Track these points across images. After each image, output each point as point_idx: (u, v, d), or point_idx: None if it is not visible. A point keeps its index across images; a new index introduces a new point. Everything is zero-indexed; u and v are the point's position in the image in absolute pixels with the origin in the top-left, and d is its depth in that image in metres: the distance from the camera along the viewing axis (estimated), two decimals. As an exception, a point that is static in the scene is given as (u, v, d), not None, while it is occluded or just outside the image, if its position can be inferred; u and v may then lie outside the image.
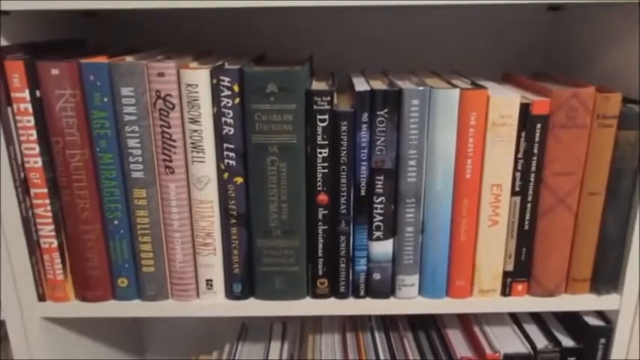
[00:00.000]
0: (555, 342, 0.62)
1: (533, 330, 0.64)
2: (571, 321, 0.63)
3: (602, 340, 0.60)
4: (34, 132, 0.53)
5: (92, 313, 0.59)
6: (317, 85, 0.56)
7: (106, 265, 0.57)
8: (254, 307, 0.59)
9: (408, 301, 0.59)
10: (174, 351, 0.86)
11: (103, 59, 0.53)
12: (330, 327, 0.72)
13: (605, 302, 0.59)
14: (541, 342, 0.62)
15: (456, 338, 0.66)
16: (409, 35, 0.76)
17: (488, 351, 0.61)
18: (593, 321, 0.61)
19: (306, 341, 0.70)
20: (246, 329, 0.79)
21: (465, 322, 0.68)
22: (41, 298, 0.59)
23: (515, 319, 0.67)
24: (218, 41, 0.75)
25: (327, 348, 0.67)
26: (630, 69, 0.57)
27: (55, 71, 0.51)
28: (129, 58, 0.55)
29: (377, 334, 0.68)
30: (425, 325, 0.69)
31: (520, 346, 0.62)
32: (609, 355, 0.60)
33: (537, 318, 0.67)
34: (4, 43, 0.53)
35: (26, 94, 0.52)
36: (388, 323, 0.71)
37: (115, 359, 0.79)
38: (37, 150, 0.53)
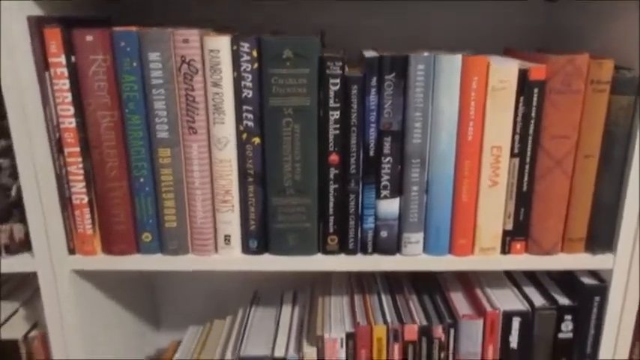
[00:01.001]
0: (552, 301, 0.65)
1: (531, 291, 0.68)
2: (567, 282, 0.67)
3: (597, 299, 0.63)
4: (69, 94, 0.58)
5: (118, 266, 0.63)
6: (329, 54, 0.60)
7: (132, 221, 0.62)
8: (268, 262, 0.63)
9: (413, 258, 0.62)
10: (188, 317, 0.90)
11: (132, 28, 0.58)
12: (338, 290, 0.76)
13: (599, 261, 0.62)
14: (539, 301, 0.65)
15: (458, 299, 0.69)
16: (410, 24, 0.79)
17: (488, 309, 0.65)
18: (588, 281, 0.64)
19: (316, 305, 0.73)
20: (258, 297, 0.83)
21: (466, 284, 0.72)
22: (71, 251, 0.63)
23: (514, 281, 0.71)
24: (234, 22, 0.80)
25: (336, 310, 0.71)
26: (627, 47, 0.61)
27: (89, 38, 0.56)
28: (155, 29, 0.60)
29: (383, 297, 0.72)
30: (429, 289, 0.73)
31: (519, 304, 0.65)
32: (604, 313, 0.64)
33: (535, 280, 0.70)
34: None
35: (62, 59, 0.57)
36: (394, 287, 0.75)
37: (133, 321, 0.83)
38: (71, 111, 0.58)
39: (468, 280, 0.72)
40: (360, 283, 0.76)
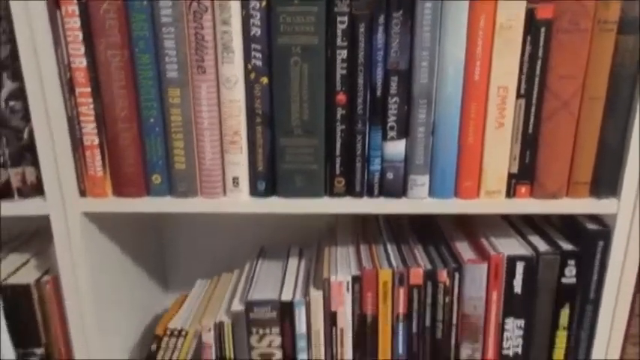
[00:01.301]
0: (556, 246, 0.66)
1: (534, 239, 0.68)
2: (570, 229, 0.67)
3: (601, 244, 0.64)
4: (79, 33, 0.58)
5: (128, 208, 0.64)
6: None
7: (142, 163, 0.63)
8: (276, 205, 0.64)
9: (419, 201, 0.63)
10: (195, 275, 0.91)
11: (142, -33, 0.58)
12: (344, 242, 0.76)
13: (604, 206, 0.63)
14: (543, 247, 0.66)
15: (463, 248, 0.70)
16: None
17: (492, 253, 0.65)
18: (591, 226, 0.65)
19: (322, 255, 0.74)
20: (265, 251, 0.84)
21: (471, 235, 0.72)
22: (82, 193, 0.64)
23: (518, 230, 0.71)
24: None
25: (342, 257, 0.72)
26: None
27: (100, -24, 0.57)
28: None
29: (389, 245, 0.73)
30: (433, 239, 0.74)
31: (523, 250, 0.66)
32: (607, 258, 0.64)
33: (538, 229, 0.71)
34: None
35: (73, -3, 0.57)
36: (399, 237, 0.75)
37: (142, 275, 0.84)
38: (82, 51, 0.59)
39: (472, 231, 0.73)
40: (365, 235, 0.77)
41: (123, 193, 0.64)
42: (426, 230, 0.77)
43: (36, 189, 0.64)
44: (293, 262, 0.79)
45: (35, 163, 0.63)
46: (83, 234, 0.65)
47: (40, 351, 0.71)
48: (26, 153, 0.63)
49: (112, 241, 0.73)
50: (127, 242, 0.77)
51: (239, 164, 0.62)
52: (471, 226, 0.74)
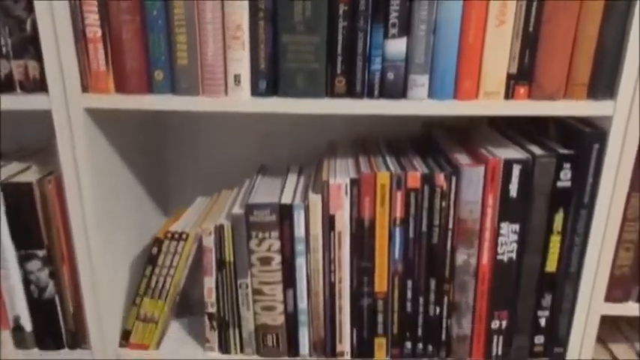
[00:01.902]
0: (552, 150, 0.66)
1: (531, 147, 0.69)
2: (566, 137, 0.68)
3: (596, 146, 0.65)
4: None
5: (130, 104, 0.65)
6: None
7: (144, 58, 0.63)
8: (277, 104, 0.64)
9: (418, 103, 0.64)
10: (196, 191, 0.91)
11: None
12: (344, 156, 0.77)
13: (600, 107, 0.63)
14: (539, 152, 0.67)
15: (461, 157, 0.71)
16: None
17: (490, 158, 0.66)
18: (587, 129, 0.66)
19: (321, 167, 0.75)
20: (265, 168, 0.85)
21: (469, 147, 0.73)
22: (85, 89, 0.64)
23: (516, 141, 0.72)
24: None
25: (341, 166, 0.73)
26: None
27: None
28: None
29: (388, 158, 0.74)
30: (432, 153, 0.74)
31: (519, 154, 0.67)
32: (602, 161, 0.65)
33: (535, 140, 0.71)
34: None
35: None
36: (399, 153, 0.76)
37: (142, 182, 0.85)
38: (85, -61, 0.59)
39: (470, 146, 0.73)
40: (365, 151, 0.78)
41: (125, 90, 0.64)
42: (425, 147, 0.78)
43: (39, 84, 0.65)
44: (292, 176, 0.80)
45: (38, 57, 0.63)
46: (85, 130, 0.66)
47: (42, 253, 0.72)
48: (29, 46, 0.63)
49: (114, 145, 0.74)
50: (128, 148, 0.78)
51: (241, 61, 0.63)
52: (469, 142, 0.75)
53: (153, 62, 0.63)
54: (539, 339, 0.74)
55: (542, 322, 0.73)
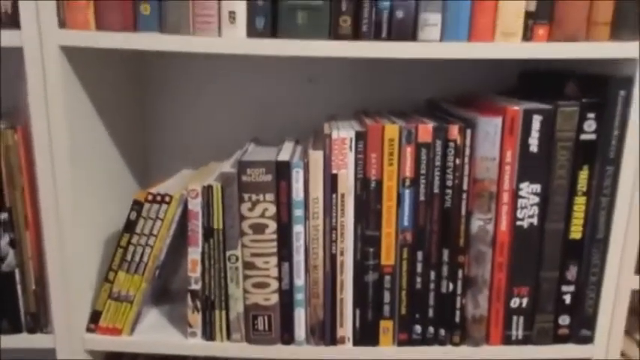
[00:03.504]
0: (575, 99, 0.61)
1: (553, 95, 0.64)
2: (588, 89, 0.63)
3: (622, 93, 0.60)
4: None
5: (112, 43, 0.58)
6: None
7: (130, -10, 0.57)
8: (276, 46, 0.58)
9: (430, 45, 0.58)
10: (179, 162, 0.84)
11: None
12: (346, 118, 0.71)
13: (626, 50, 0.59)
14: (561, 102, 0.61)
15: (474, 114, 0.65)
16: None
17: (508, 107, 0.61)
18: (612, 75, 0.61)
19: (322, 131, 0.68)
20: (258, 140, 0.78)
21: (482, 107, 0.67)
22: (62, 24, 0.58)
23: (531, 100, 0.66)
24: None
25: (345, 126, 0.66)
26: None
27: None
28: None
29: (395, 118, 0.68)
30: (442, 117, 0.69)
31: (540, 104, 0.61)
32: (629, 110, 0.60)
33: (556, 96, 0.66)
34: None
35: None
36: (405, 116, 0.70)
37: (120, 147, 0.78)
38: None
39: (481, 106, 0.68)
40: (368, 116, 0.72)
41: (107, 26, 0.58)
42: (434, 110, 0.72)
43: (12, 22, 0.58)
44: (289, 144, 0.73)
45: (11, -9, 0.57)
46: (61, 71, 0.59)
47: (3, 216, 0.63)
48: (1, -22, 0.57)
49: (92, 94, 0.66)
50: (108, 102, 0.71)
51: (237, -5, 0.57)
52: (481, 106, 0.69)
53: (139, -6, 0.57)
54: (564, 319, 0.66)
55: (567, 298, 0.65)
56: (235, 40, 0.58)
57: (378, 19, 0.58)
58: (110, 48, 0.58)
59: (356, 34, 0.59)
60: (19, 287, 0.65)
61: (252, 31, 0.58)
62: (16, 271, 0.64)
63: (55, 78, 0.59)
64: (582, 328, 0.66)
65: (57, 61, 0.58)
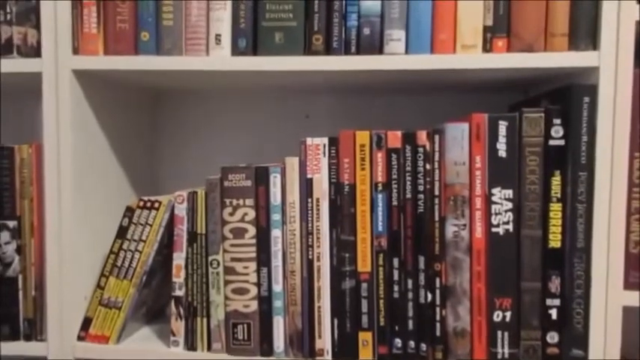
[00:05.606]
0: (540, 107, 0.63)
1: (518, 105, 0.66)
2: (555, 94, 0.65)
3: (586, 99, 0.61)
4: None
5: (118, 65, 0.67)
6: None
7: (134, 19, 0.67)
8: (256, 63, 0.65)
9: (396, 58, 0.63)
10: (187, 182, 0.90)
11: None
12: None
13: (584, 59, 0.61)
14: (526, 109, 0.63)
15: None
16: None
17: (474, 114, 0.63)
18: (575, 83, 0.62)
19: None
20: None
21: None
22: (75, 51, 0.68)
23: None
24: None
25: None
26: None
27: None
28: None
29: (373, 136, 0.72)
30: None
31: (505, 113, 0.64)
32: (595, 117, 0.61)
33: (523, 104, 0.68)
34: None
35: None
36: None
37: (127, 164, 0.84)
38: None
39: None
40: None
41: (112, 52, 0.67)
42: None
43: (35, 51, 0.68)
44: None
45: (38, 26, 0.68)
46: (71, 93, 0.68)
47: (12, 224, 0.69)
48: (31, 15, 0.68)
49: (100, 116, 0.74)
50: (116, 125, 0.79)
51: (222, 21, 0.65)
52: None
53: (141, 23, 0.66)
54: (553, 337, 0.63)
55: (554, 313, 0.62)
56: (221, 58, 0.66)
57: (347, 36, 0.64)
58: (115, 69, 0.67)
59: (328, 50, 0.65)
60: (20, 293, 0.69)
61: (235, 51, 0.66)
62: (19, 277, 0.69)
63: (67, 99, 0.67)
64: (573, 347, 0.62)
65: (69, 84, 0.67)
